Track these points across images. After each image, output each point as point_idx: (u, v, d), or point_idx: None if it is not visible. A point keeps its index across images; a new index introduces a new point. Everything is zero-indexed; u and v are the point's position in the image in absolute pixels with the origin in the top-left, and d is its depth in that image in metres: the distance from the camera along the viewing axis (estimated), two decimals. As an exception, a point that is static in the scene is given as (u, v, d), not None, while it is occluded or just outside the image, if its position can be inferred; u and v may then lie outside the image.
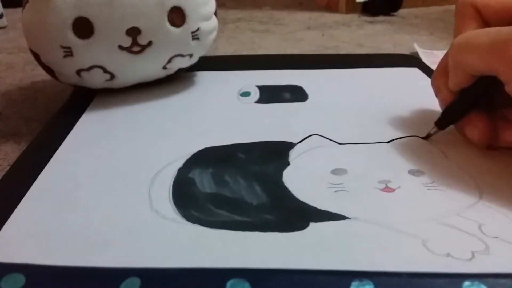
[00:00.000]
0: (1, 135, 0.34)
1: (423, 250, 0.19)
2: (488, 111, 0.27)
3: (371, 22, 0.69)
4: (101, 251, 0.20)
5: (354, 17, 0.72)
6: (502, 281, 0.18)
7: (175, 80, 0.40)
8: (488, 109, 0.27)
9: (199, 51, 0.37)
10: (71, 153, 0.29)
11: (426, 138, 0.29)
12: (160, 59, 0.35)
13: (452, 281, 0.18)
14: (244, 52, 0.55)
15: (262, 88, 0.38)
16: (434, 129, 0.28)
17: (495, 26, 0.24)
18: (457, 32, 0.27)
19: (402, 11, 0.74)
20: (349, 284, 0.18)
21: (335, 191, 0.24)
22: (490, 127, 0.26)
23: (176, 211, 0.22)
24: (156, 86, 0.39)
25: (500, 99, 0.25)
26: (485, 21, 0.27)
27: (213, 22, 0.37)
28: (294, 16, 0.75)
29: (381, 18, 0.72)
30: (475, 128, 0.26)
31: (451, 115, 0.28)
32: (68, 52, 0.32)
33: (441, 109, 0.29)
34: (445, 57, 0.28)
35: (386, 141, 0.29)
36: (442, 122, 0.28)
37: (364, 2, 0.74)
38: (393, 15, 0.73)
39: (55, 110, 0.36)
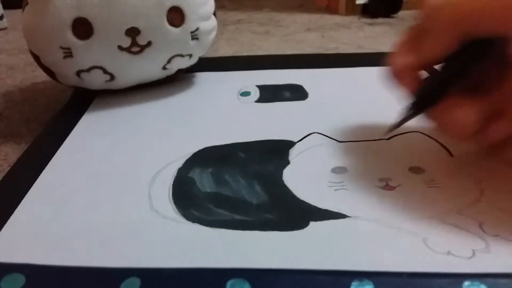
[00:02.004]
0: (1, 135, 0.34)
1: (423, 248, 0.19)
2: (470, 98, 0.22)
3: (371, 24, 0.69)
4: (101, 251, 0.20)
5: (354, 19, 0.72)
6: (502, 281, 0.18)
7: (175, 81, 0.40)
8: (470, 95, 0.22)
9: (198, 51, 0.37)
10: (71, 153, 0.29)
11: (392, 129, 0.24)
12: (159, 59, 0.35)
13: (452, 281, 0.18)
14: (244, 54, 0.55)
15: (262, 88, 0.38)
16: (403, 116, 0.23)
17: None
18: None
19: (401, 13, 0.74)
20: (349, 284, 0.18)
21: (335, 190, 0.24)
22: (478, 114, 0.21)
23: (176, 210, 0.22)
24: (156, 87, 0.39)
25: (488, 80, 0.21)
26: None
27: (212, 22, 0.37)
28: (294, 17, 0.75)
29: (380, 20, 0.72)
30: (460, 112, 0.21)
31: (432, 93, 0.22)
32: (68, 53, 0.32)
33: (409, 95, 0.23)
34: (411, 34, 0.24)
35: (387, 137, 0.29)
36: (418, 105, 0.22)
37: (364, 4, 0.74)
38: (392, 17, 0.73)
39: (56, 111, 0.36)
